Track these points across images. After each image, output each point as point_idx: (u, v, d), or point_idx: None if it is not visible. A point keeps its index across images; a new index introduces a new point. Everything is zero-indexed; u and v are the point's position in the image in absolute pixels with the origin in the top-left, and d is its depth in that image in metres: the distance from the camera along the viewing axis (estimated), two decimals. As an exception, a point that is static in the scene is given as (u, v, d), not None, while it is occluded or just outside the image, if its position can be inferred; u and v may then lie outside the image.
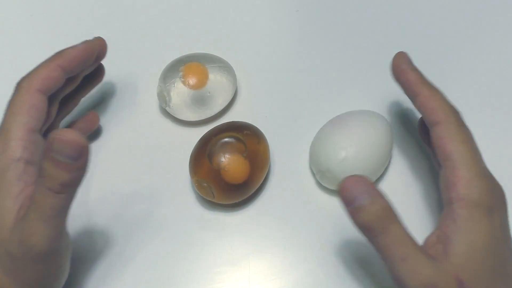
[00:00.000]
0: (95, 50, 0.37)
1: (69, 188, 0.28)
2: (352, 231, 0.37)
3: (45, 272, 0.30)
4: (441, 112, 0.31)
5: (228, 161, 0.36)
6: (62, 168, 0.27)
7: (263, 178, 0.38)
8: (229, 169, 0.36)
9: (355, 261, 0.36)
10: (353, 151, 0.36)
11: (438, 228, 0.30)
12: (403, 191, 0.39)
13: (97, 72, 0.41)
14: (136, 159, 0.41)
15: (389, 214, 0.29)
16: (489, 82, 0.44)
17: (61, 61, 0.34)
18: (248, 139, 0.37)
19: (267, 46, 0.47)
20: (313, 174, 0.39)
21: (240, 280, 0.36)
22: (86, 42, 0.37)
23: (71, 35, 0.48)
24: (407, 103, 0.42)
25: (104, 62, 0.47)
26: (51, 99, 0.35)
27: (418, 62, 0.45)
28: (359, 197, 0.28)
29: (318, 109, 0.43)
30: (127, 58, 0.46)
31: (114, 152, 0.41)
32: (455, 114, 0.31)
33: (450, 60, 0.46)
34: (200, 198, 0.39)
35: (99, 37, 0.38)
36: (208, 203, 0.39)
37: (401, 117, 0.41)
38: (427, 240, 0.30)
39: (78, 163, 0.27)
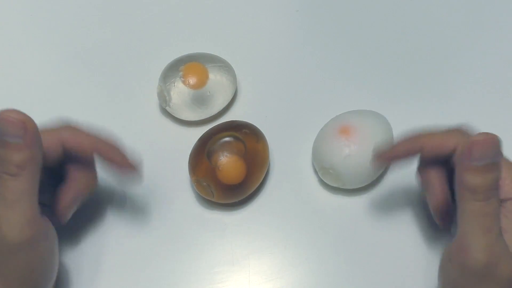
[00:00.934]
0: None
1: (26, 169, 0.28)
2: (352, 231, 0.37)
3: (27, 264, 0.29)
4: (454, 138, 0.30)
5: (223, 162, 0.36)
6: (12, 149, 0.27)
7: (263, 177, 0.38)
8: (224, 170, 0.36)
9: (356, 261, 0.36)
10: (356, 149, 0.36)
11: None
12: (403, 190, 0.39)
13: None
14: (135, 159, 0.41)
15: (497, 185, 0.29)
16: (490, 82, 0.44)
17: (66, 138, 0.32)
18: (246, 138, 0.37)
19: (267, 45, 0.47)
20: (315, 173, 0.39)
21: (240, 280, 0.36)
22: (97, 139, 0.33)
23: (71, 35, 0.48)
24: (407, 103, 0.42)
25: (104, 61, 0.47)
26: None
27: (418, 61, 0.46)
28: (487, 157, 0.28)
29: (318, 109, 0.43)
30: (127, 57, 0.46)
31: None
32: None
33: (450, 60, 0.46)
34: (200, 198, 0.39)
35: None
36: (208, 202, 0.39)
37: (401, 117, 0.41)
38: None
39: (27, 141, 0.27)
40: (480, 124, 0.42)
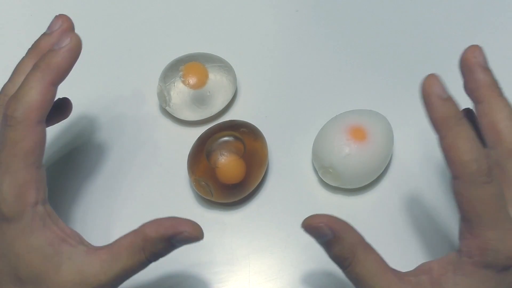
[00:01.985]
0: (78, 56, 0.32)
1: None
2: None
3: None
4: (459, 167, 0.26)
5: (222, 161, 0.36)
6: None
7: (262, 176, 0.38)
8: (223, 170, 0.36)
9: (355, 261, 0.36)
10: (355, 148, 0.36)
11: (437, 262, 0.29)
12: (403, 191, 0.39)
13: (63, 105, 0.37)
14: (135, 158, 0.41)
15: (356, 246, 0.28)
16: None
17: (51, 77, 0.29)
18: (245, 137, 0.37)
19: (267, 46, 0.47)
20: (315, 172, 0.39)
21: (240, 280, 0.36)
22: (70, 47, 0.31)
23: (71, 35, 0.48)
24: (407, 103, 0.42)
25: (105, 61, 0.47)
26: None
27: (418, 61, 0.46)
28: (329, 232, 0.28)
29: (318, 109, 0.43)
30: (127, 57, 0.46)
31: (114, 151, 0.41)
32: (480, 172, 0.26)
33: (450, 60, 0.46)
34: (199, 198, 0.39)
35: (72, 33, 0.32)
36: (208, 202, 0.39)
37: (401, 117, 0.41)
38: (419, 266, 0.29)
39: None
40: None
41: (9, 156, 0.28)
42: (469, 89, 0.30)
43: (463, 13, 0.49)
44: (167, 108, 0.41)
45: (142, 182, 0.40)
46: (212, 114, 0.42)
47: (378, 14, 0.49)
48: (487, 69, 0.30)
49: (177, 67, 0.41)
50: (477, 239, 0.26)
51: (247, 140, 0.37)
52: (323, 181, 0.39)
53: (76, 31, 0.48)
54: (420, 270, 0.29)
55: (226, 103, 0.42)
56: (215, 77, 0.41)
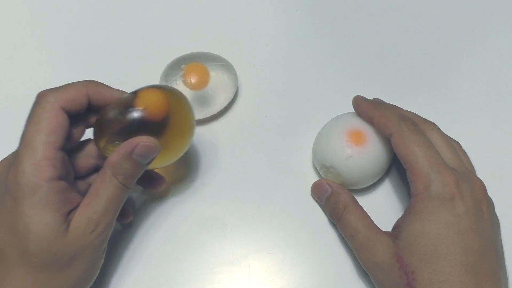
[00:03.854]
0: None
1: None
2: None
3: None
4: (391, 124, 0.35)
5: (143, 92, 0.34)
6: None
7: (186, 138, 0.35)
8: (143, 98, 0.33)
9: (356, 261, 0.36)
10: (357, 150, 0.36)
11: (401, 216, 0.34)
12: (403, 192, 0.39)
13: None
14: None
15: (348, 200, 0.36)
16: (490, 82, 0.44)
17: (91, 91, 0.33)
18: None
19: (268, 45, 0.47)
20: (316, 172, 0.39)
21: (240, 280, 0.36)
22: (122, 93, 0.35)
23: (71, 35, 0.48)
24: (407, 103, 0.42)
25: (106, 60, 0.47)
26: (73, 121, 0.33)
27: (418, 62, 0.46)
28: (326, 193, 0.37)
29: (318, 109, 0.43)
30: (128, 57, 0.46)
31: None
32: (406, 123, 0.34)
33: (450, 60, 0.46)
34: (200, 198, 0.39)
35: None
36: (208, 201, 0.38)
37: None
38: (394, 224, 0.35)
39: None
40: (480, 123, 0.42)
41: (33, 131, 0.30)
42: (377, 127, 0.37)
43: (464, 13, 0.49)
44: (167, 107, 0.41)
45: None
46: (214, 113, 0.42)
47: (378, 14, 0.49)
48: (373, 104, 0.37)
49: (178, 66, 0.41)
50: (418, 176, 0.32)
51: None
52: (324, 181, 0.39)
53: (76, 31, 0.48)
54: (393, 227, 0.35)
55: (227, 102, 0.42)
56: (217, 76, 0.41)
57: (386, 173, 0.39)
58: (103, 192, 0.31)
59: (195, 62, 0.41)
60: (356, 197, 0.39)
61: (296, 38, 0.48)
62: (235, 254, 0.37)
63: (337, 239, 0.37)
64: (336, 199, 0.36)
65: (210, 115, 0.41)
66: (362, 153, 0.36)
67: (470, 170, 0.35)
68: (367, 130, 0.37)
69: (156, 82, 0.41)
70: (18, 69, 0.46)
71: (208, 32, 0.48)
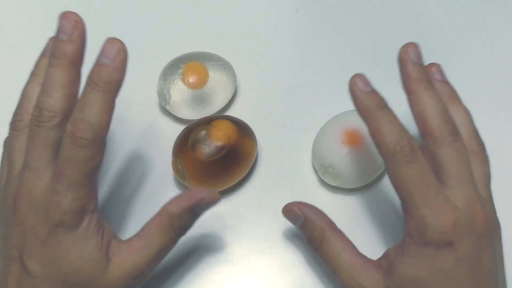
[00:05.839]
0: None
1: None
2: (352, 231, 0.37)
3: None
4: (384, 148, 0.29)
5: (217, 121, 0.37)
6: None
7: (243, 175, 0.38)
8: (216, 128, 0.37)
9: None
10: (356, 147, 0.36)
11: (393, 247, 0.31)
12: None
13: None
14: (136, 158, 0.41)
15: (325, 228, 0.32)
16: (489, 82, 0.44)
17: (113, 95, 0.30)
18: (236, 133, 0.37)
19: (267, 45, 0.47)
20: (315, 172, 0.39)
21: (240, 280, 0.36)
22: (122, 59, 0.31)
23: (71, 35, 0.48)
24: (407, 102, 0.42)
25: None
26: None
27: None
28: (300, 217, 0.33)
29: (318, 109, 0.43)
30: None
31: (114, 150, 0.41)
32: (403, 151, 0.29)
33: (449, 60, 0.46)
34: (199, 198, 0.39)
35: (118, 42, 0.32)
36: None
37: (401, 117, 0.41)
38: (383, 253, 0.32)
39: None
40: (480, 123, 0.42)
41: (78, 173, 0.29)
42: (402, 81, 0.33)
43: (463, 13, 0.48)
44: (166, 106, 0.41)
45: (142, 181, 0.40)
46: (212, 113, 0.42)
47: (378, 14, 0.49)
48: (416, 64, 0.32)
49: (177, 66, 0.41)
50: (413, 218, 0.29)
51: (237, 136, 0.37)
52: (323, 181, 0.39)
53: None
54: (382, 256, 0.32)
55: (226, 102, 0.42)
56: (215, 75, 0.41)
57: (384, 171, 0.39)
58: (157, 242, 0.31)
59: (194, 62, 0.41)
60: (355, 197, 0.39)
61: (295, 38, 0.48)
62: (235, 254, 0.37)
63: (337, 239, 0.37)
64: (311, 227, 0.32)
65: (208, 114, 0.41)
66: (359, 152, 0.36)
67: (473, 200, 0.30)
68: (364, 129, 0.37)
69: (155, 81, 0.42)
70: (17, 69, 0.46)
71: (207, 31, 0.48)
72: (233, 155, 0.37)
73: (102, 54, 0.30)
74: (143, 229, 0.31)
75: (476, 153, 0.32)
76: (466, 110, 0.34)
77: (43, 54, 0.35)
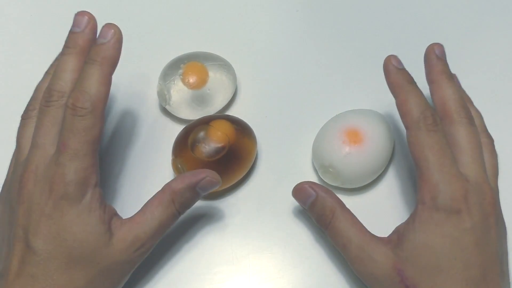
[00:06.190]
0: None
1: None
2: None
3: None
4: (409, 118, 0.33)
5: (216, 122, 0.37)
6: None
7: (241, 175, 0.38)
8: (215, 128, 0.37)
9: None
10: (356, 147, 0.36)
11: (404, 222, 0.32)
12: (403, 190, 0.39)
13: None
14: (136, 157, 0.41)
15: (335, 205, 0.33)
16: (490, 81, 0.44)
17: (109, 69, 0.33)
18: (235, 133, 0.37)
19: (267, 45, 0.47)
20: (315, 172, 0.39)
21: (240, 280, 0.36)
22: (117, 38, 0.33)
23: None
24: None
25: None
26: None
27: (418, 61, 0.45)
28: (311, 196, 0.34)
29: (318, 108, 0.43)
30: (127, 56, 0.45)
31: (114, 150, 0.41)
32: (426, 121, 0.32)
33: (450, 60, 0.46)
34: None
35: (113, 25, 0.33)
36: (208, 202, 0.38)
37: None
38: (394, 229, 0.33)
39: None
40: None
41: (80, 142, 0.31)
42: (426, 73, 0.36)
43: (463, 13, 0.48)
44: (167, 107, 0.41)
45: (141, 181, 0.40)
46: (212, 113, 0.42)
47: (378, 13, 0.49)
48: (441, 59, 0.36)
49: (177, 66, 0.41)
50: (427, 184, 0.31)
51: (237, 136, 0.37)
52: (323, 180, 0.39)
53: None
54: (391, 232, 0.33)
55: (226, 102, 0.42)
56: (215, 75, 0.41)
57: (384, 172, 0.39)
58: (158, 215, 0.32)
59: (193, 62, 0.41)
60: (355, 197, 0.39)
61: (295, 38, 0.48)
62: (235, 254, 0.37)
63: (337, 239, 0.37)
64: (322, 204, 0.33)
65: (208, 114, 0.41)
66: (359, 152, 0.36)
67: (483, 179, 0.32)
68: (364, 129, 0.37)
69: (155, 81, 0.42)
70: (17, 70, 0.46)
71: (207, 32, 0.48)
72: (233, 155, 0.37)
73: (99, 36, 0.33)
74: (145, 205, 0.33)
75: (486, 145, 0.35)
76: (478, 112, 0.38)
77: (56, 59, 0.38)
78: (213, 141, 0.36)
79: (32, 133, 0.33)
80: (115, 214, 0.33)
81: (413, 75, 0.45)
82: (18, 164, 0.32)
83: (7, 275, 0.30)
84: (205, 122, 0.38)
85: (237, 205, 0.39)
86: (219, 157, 0.36)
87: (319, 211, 0.34)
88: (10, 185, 0.32)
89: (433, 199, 0.30)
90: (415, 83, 0.34)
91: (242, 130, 0.38)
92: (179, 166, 0.37)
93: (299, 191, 0.35)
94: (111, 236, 0.31)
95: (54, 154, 0.31)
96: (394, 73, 0.34)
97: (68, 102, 0.31)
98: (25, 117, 0.35)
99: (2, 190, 0.34)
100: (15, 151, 0.34)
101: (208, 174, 0.33)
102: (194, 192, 0.33)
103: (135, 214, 0.33)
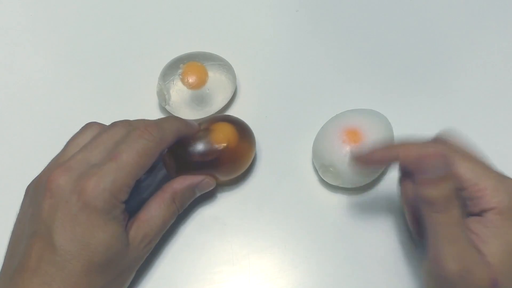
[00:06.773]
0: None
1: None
2: (352, 230, 0.37)
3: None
4: (433, 146, 0.31)
5: (217, 125, 0.37)
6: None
7: (236, 174, 0.38)
8: (216, 131, 0.37)
9: (356, 260, 0.36)
10: (356, 147, 0.36)
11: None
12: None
13: None
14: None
15: (454, 196, 0.29)
16: (490, 81, 0.44)
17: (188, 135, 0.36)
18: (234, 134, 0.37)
19: (267, 45, 0.47)
20: (315, 171, 0.39)
21: (240, 280, 0.36)
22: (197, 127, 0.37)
23: (71, 35, 0.48)
24: (407, 102, 0.42)
25: (104, 61, 0.47)
26: None
27: (418, 61, 0.46)
28: (437, 169, 0.29)
29: (318, 108, 0.42)
30: (127, 56, 0.46)
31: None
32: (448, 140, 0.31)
33: (450, 59, 0.46)
34: (200, 198, 0.39)
35: None
36: (208, 202, 0.38)
37: (402, 116, 0.41)
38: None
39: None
40: (480, 123, 0.42)
41: (133, 159, 0.31)
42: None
43: (463, 12, 0.48)
44: (166, 107, 0.41)
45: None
46: (212, 113, 0.42)
47: (378, 13, 0.49)
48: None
49: (176, 66, 0.41)
50: (487, 190, 0.29)
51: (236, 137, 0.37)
52: (323, 180, 0.39)
53: (76, 30, 0.48)
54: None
55: (225, 102, 0.42)
56: (215, 75, 0.41)
57: (384, 171, 0.39)
58: (161, 213, 0.34)
59: (193, 62, 0.41)
60: (354, 197, 0.39)
61: (295, 38, 0.48)
62: (235, 254, 0.37)
63: (337, 239, 0.37)
64: (451, 185, 0.29)
65: (208, 114, 0.41)
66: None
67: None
68: (364, 128, 0.37)
69: (155, 81, 0.42)
70: (17, 70, 0.46)
71: (207, 32, 0.48)
72: (227, 157, 0.37)
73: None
74: (148, 204, 0.34)
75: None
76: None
77: None
78: (209, 143, 0.36)
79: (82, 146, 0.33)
80: (126, 215, 0.33)
81: (413, 75, 0.45)
82: (55, 162, 0.33)
83: (23, 271, 0.29)
84: (206, 124, 0.38)
85: (237, 205, 0.39)
86: (211, 158, 0.36)
87: (446, 191, 0.29)
88: (40, 178, 0.32)
89: (500, 202, 0.29)
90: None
91: (241, 130, 0.38)
92: (168, 160, 0.37)
93: (422, 159, 0.29)
94: (127, 237, 0.32)
95: (100, 160, 0.31)
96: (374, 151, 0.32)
97: (140, 125, 0.33)
98: (85, 127, 0.35)
99: (30, 185, 0.33)
100: (58, 154, 0.34)
101: (205, 177, 0.36)
102: (193, 192, 0.36)
103: (139, 213, 0.34)
